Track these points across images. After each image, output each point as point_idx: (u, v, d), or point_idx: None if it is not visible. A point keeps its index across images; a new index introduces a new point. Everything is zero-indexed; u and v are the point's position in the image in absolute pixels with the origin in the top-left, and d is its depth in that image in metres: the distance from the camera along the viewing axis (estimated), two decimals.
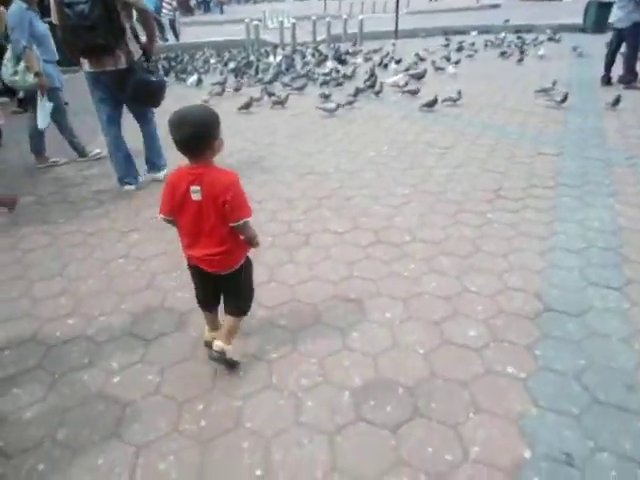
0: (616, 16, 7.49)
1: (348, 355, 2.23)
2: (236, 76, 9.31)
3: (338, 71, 9.33)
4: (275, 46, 13.89)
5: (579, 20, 15.96)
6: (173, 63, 11.21)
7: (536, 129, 5.55)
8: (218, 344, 2.08)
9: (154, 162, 4.40)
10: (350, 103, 6.88)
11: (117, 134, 4.13)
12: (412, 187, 4.04)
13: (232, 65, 10.34)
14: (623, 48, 7.49)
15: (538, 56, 10.78)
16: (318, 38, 14.49)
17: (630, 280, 2.69)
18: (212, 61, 11.24)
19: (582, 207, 3.58)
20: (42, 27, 4.60)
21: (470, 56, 10.13)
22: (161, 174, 4.39)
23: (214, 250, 1.87)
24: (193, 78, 8.89)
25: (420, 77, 8.49)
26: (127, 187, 4.27)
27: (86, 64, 3.79)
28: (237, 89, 8.21)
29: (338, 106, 6.58)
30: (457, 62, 10.46)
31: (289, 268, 2.96)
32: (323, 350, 2.26)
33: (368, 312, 2.52)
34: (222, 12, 31.13)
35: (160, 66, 10.67)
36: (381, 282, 2.77)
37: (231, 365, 2.14)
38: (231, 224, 1.81)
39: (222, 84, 8.43)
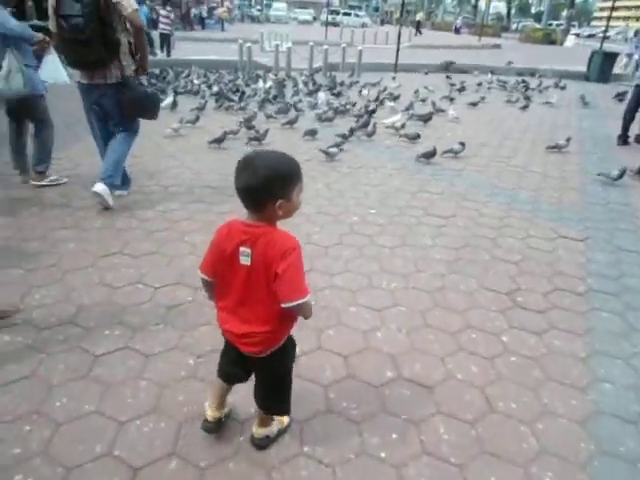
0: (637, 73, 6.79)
1: None
2: (217, 101, 8.42)
3: (330, 104, 8.50)
4: (267, 70, 13.13)
5: (582, 67, 15.54)
6: (154, 80, 10.32)
7: (553, 199, 4.68)
8: (259, 432, 1.81)
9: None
10: (338, 146, 6.00)
11: (107, 142, 3.99)
12: (402, 278, 3.08)
13: (215, 89, 9.47)
14: None
15: (544, 103, 10.11)
16: (315, 65, 13.78)
17: None
18: (195, 82, 10.37)
19: (627, 331, 2.66)
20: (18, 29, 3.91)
21: (474, 104, 9.38)
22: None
23: (256, 329, 1.53)
24: (168, 100, 7.97)
25: (426, 120, 7.68)
26: (119, 192, 4.10)
27: (77, 75, 3.82)
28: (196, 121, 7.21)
29: (340, 150, 5.71)
30: (452, 99, 9.80)
31: None
32: None
33: None
34: (223, 29, 30.63)
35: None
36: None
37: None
38: (282, 305, 1.43)
39: (200, 109, 7.54)
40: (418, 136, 6.51)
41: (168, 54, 15.39)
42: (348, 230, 3.77)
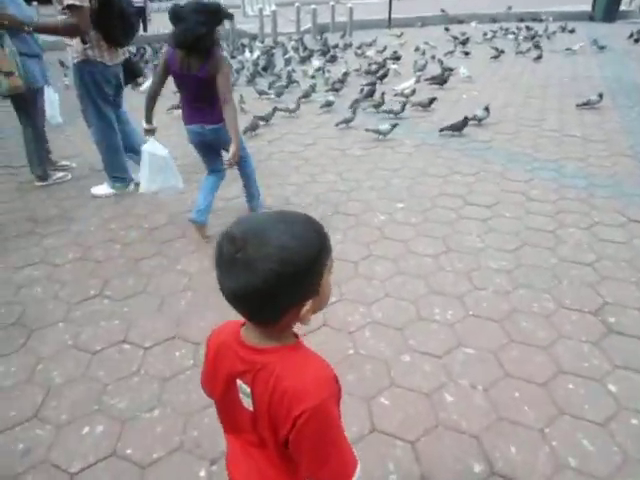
0: None
1: None
2: None
3: (328, 71, 7.62)
4: (253, 38, 12.09)
5: (585, 6, 14.42)
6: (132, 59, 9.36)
7: (606, 170, 3.97)
8: None
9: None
10: (347, 122, 5.22)
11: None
12: (458, 303, 2.42)
13: None
14: None
15: (566, 50, 9.20)
16: (302, 28, 12.71)
17: None
18: None
19: None
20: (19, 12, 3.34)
21: (496, 57, 8.50)
22: None
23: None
24: (147, 83, 7.11)
25: (442, 82, 6.86)
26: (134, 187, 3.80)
27: (107, 57, 3.47)
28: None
29: (393, 126, 4.90)
30: (467, 53, 8.96)
31: None
32: None
33: None
34: None
35: None
36: None
37: None
38: None
39: None
40: (432, 102, 5.71)
41: (145, 29, 14.23)
42: (377, 235, 3.09)
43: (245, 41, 11.32)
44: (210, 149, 2.97)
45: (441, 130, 4.93)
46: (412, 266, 2.74)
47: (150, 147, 2.92)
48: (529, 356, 2.09)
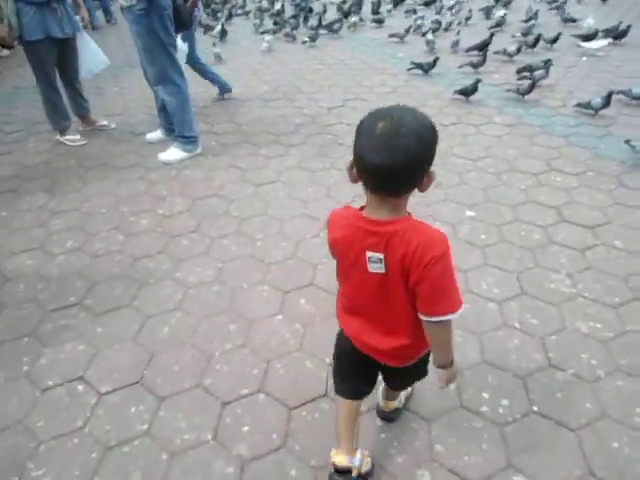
0: None
1: None
2: (276, 27, 6.84)
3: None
4: None
5: None
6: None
7: None
8: (388, 405, 1.58)
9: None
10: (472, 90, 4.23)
11: None
12: (523, 401, 1.73)
13: (277, 6, 7.75)
14: None
15: None
16: None
17: None
18: None
19: None
20: None
21: None
22: None
23: (403, 342, 1.19)
24: (217, 28, 6.58)
25: (621, 36, 5.66)
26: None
27: None
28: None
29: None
30: None
31: None
32: None
33: None
34: None
35: None
36: None
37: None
38: (422, 317, 1.09)
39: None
40: (544, 69, 4.51)
41: None
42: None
43: None
44: None
45: (577, 105, 3.90)
46: (466, 314, 2.03)
47: None
48: None
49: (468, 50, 5.34)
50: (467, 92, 4.17)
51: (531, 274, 2.24)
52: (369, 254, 1.06)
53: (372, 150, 0.94)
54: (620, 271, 2.23)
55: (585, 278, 2.20)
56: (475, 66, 4.87)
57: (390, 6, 7.75)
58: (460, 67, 4.91)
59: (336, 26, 6.63)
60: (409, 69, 5.02)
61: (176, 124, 3.39)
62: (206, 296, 2.19)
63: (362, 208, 1.08)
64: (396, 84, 4.80)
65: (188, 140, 3.42)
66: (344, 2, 7.88)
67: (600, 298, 2.08)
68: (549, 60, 4.52)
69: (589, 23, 6.03)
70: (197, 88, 4.47)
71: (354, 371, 1.35)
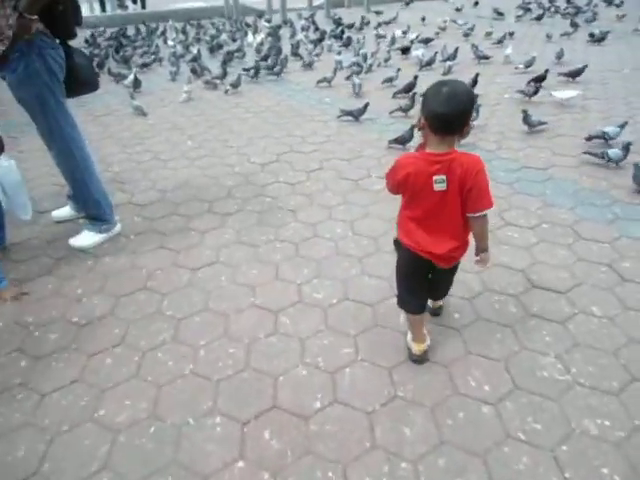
0: None
1: None
2: (193, 72, 6.47)
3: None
4: (259, 15, 10.87)
5: None
6: (124, 42, 8.29)
7: None
8: (437, 304, 2.22)
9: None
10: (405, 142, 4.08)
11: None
12: None
13: (193, 51, 7.39)
14: None
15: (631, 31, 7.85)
16: (315, 2, 11.45)
17: None
18: (170, 43, 8.30)
19: None
20: None
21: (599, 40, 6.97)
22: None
23: (454, 244, 1.76)
24: (130, 77, 6.08)
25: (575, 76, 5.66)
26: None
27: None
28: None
29: None
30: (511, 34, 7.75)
31: None
32: None
33: None
34: None
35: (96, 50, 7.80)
36: None
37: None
38: (470, 214, 1.70)
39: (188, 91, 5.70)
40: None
41: (143, 5, 13.07)
42: None
43: (250, 20, 10.12)
44: None
45: (587, 153, 3.67)
46: (463, 425, 1.73)
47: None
48: None
49: (395, 95, 5.29)
50: (404, 140, 4.02)
51: (518, 359, 2.00)
52: (435, 177, 1.61)
53: (441, 104, 1.54)
54: (607, 345, 2.05)
55: (575, 359, 1.99)
56: (405, 110, 4.79)
57: (310, 46, 7.68)
58: (391, 113, 4.81)
59: (277, 69, 6.40)
60: (339, 116, 4.84)
61: (79, 199, 2.89)
62: (141, 444, 1.72)
63: (421, 150, 1.68)
64: (328, 132, 4.58)
65: (102, 219, 2.92)
66: (262, 44, 7.69)
67: (598, 384, 1.87)
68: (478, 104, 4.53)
69: (507, 53, 6.32)
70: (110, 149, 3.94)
71: (421, 282, 1.88)
